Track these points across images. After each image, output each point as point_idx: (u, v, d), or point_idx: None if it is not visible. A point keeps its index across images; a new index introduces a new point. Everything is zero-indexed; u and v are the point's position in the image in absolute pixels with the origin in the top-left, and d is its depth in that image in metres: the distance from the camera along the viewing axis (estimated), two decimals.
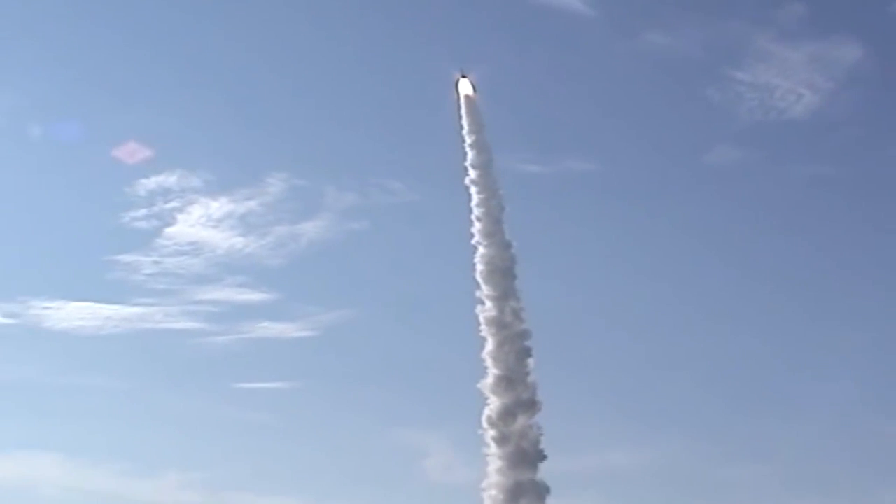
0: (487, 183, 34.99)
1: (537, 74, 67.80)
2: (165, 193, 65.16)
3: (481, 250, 34.29)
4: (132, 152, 60.24)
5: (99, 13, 70.85)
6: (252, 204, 66.33)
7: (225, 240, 64.88)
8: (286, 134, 72.20)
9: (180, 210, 66.00)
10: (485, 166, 35.20)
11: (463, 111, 36.94)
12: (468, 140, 36.16)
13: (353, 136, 70.97)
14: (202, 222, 64.04)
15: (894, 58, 71.65)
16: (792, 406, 62.53)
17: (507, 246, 34.52)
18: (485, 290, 33.91)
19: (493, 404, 33.04)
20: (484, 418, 33.06)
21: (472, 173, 35.14)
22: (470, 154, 35.51)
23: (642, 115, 71.33)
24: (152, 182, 64.66)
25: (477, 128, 36.46)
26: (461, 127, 36.74)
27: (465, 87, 37.43)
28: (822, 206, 69.76)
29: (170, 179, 65.15)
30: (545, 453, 31.88)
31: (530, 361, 33.37)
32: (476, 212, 34.76)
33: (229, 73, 71.54)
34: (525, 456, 32.29)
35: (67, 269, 68.91)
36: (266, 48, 69.35)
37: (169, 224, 66.02)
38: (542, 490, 32.26)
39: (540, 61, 68.95)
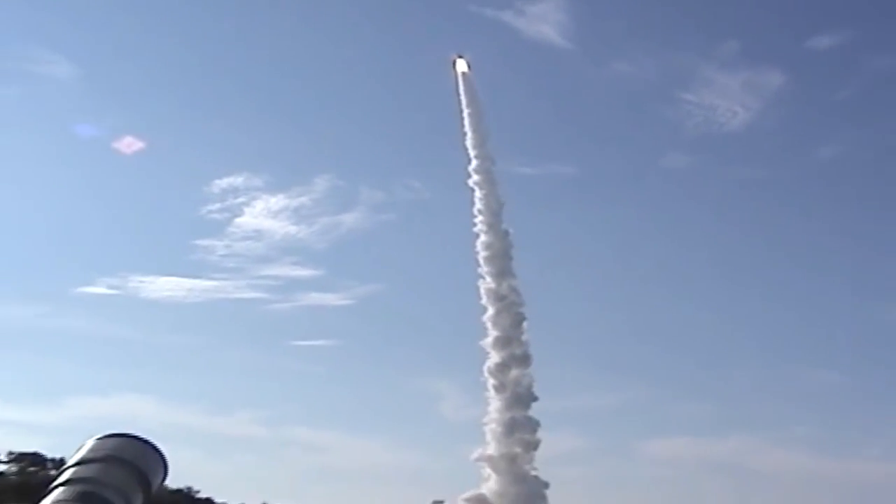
0: (488, 182, 39.46)
1: (527, 95, 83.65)
2: (235, 191, 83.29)
3: (483, 237, 39.18)
4: (129, 145, 70.33)
5: (178, 46, 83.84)
6: (303, 199, 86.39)
7: (281, 228, 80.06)
8: (329, 145, 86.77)
9: (247, 204, 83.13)
10: (486, 170, 39.42)
11: (461, 87, 41.08)
12: (469, 127, 40.02)
13: (381, 145, 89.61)
14: (264, 214, 77.75)
15: (810, 83, 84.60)
16: (726, 359, 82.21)
17: (505, 234, 39.34)
18: (485, 269, 39.01)
19: (493, 358, 38.77)
20: (485, 369, 39.70)
21: (475, 175, 39.59)
22: (472, 151, 39.62)
23: (611, 128, 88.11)
24: (224, 182, 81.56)
25: (474, 105, 40.52)
26: (459, 102, 40.96)
27: (461, 65, 41.91)
28: (752, 199, 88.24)
29: (238, 180, 79.74)
30: (536, 395, 38.97)
31: (524, 325, 38.46)
32: (478, 205, 39.58)
33: (287, 97, 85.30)
34: (519, 398, 38.52)
35: (159, 251, 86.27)
36: (317, 77, 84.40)
37: (238, 215, 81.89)
38: (533, 424, 38.86)
39: (529, 85, 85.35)
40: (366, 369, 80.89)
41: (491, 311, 38.98)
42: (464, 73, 41.80)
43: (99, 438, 1.55)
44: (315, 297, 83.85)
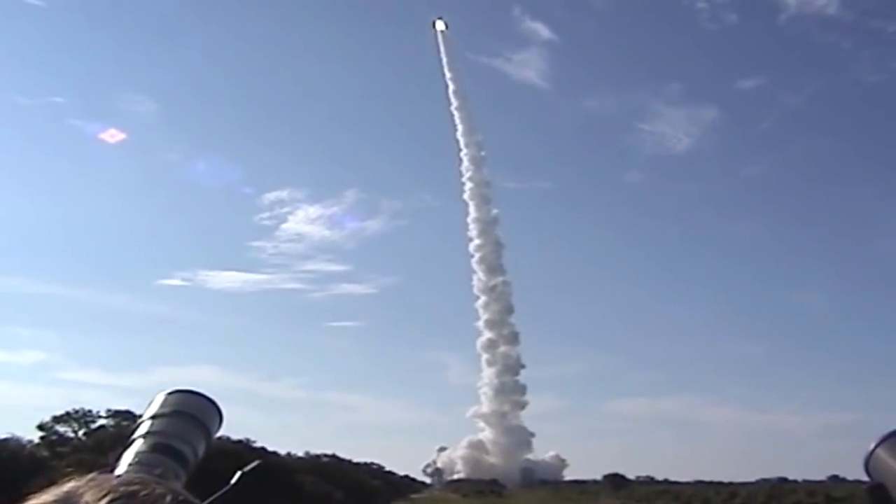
0: (480, 195, 46.15)
1: (514, 125, 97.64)
2: (281, 203, 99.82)
3: (475, 241, 46.48)
4: (112, 136, 77.81)
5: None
6: (335, 209, 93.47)
7: (318, 232, 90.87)
8: (356, 165, 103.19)
9: (290, 213, 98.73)
10: (479, 184, 45.93)
11: (441, 45, 47.53)
12: (455, 103, 46.39)
13: (399, 165, 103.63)
14: (304, 221, 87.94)
15: (738, 115, 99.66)
16: (673, 334, 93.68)
17: (496, 239, 46.50)
18: (477, 266, 47.25)
19: (484, 336, 47.84)
20: (478, 344, 47.15)
21: (468, 189, 46.59)
22: (465, 162, 46.15)
23: (582, 152, 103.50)
24: (273, 195, 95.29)
25: (455, 66, 46.95)
26: (440, 59, 47.73)
27: (440, 25, 48.11)
28: (693, 207, 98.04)
29: (283, 194, 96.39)
30: (524, 364, 46.02)
31: (513, 310, 46.48)
32: (472, 215, 46.64)
33: (322, 127, 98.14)
34: (508, 368, 45.85)
35: (222, 250, 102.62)
36: (346, 110, 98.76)
37: (283, 222, 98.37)
38: (521, 388, 45.80)
39: (515, 117, 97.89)
40: (386, 345, 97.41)
41: (482, 299, 46.76)
42: (443, 32, 48.18)
43: (168, 393, 1.70)
44: (345, 287, 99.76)
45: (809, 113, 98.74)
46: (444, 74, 48.68)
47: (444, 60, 48.42)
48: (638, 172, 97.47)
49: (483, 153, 47.54)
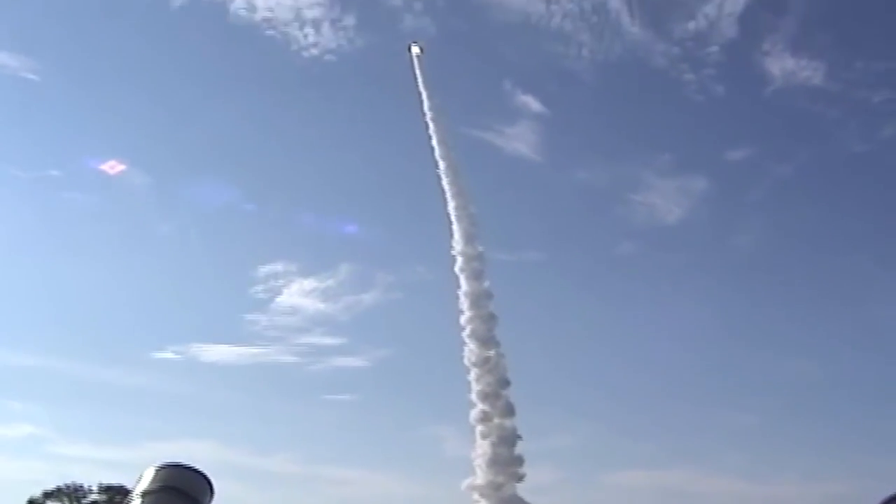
0: (472, 268, 46.79)
1: (506, 197, 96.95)
2: (275, 276, 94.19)
3: (466, 314, 46.48)
4: (112, 167, 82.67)
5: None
6: (330, 282, 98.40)
7: (312, 305, 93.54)
8: (351, 240, 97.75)
9: (285, 286, 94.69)
10: (471, 257, 46.55)
11: (416, 67, 48.39)
12: (432, 125, 47.66)
13: (391, 239, 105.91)
14: (298, 294, 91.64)
15: (728, 186, 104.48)
16: (666, 405, 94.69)
17: (490, 314, 46.73)
18: (469, 339, 46.07)
19: (477, 409, 45.71)
20: (472, 416, 47.20)
21: (460, 261, 47.03)
22: (456, 235, 46.80)
23: (574, 223, 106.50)
24: (267, 268, 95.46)
25: (430, 93, 47.89)
26: (415, 79, 48.54)
27: (415, 49, 48.81)
28: (685, 277, 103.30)
29: (277, 267, 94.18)
30: (520, 436, 45.87)
31: (507, 383, 45.69)
32: (464, 287, 46.91)
33: (316, 202, 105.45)
34: (504, 440, 45.59)
35: (216, 323, 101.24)
36: (339, 188, 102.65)
37: (278, 295, 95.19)
38: (518, 461, 45.49)
39: (508, 189, 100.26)
40: (382, 418, 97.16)
41: (475, 371, 46.65)
42: (418, 55, 48.97)
43: (159, 468, 1.75)
44: (340, 360, 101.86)
45: (799, 182, 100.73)
46: (421, 102, 49.73)
47: (420, 81, 49.48)
48: (630, 243, 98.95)
49: (475, 226, 48.37)
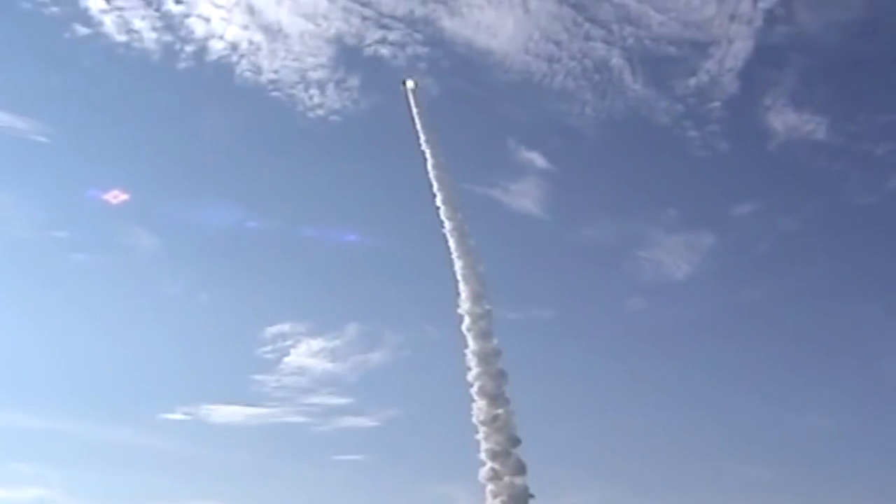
0: (479, 327, 47.10)
1: (513, 255, 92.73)
2: (283, 336, 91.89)
3: (475, 370, 46.68)
4: (114, 196, 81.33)
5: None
6: (337, 342, 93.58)
7: (320, 365, 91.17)
8: (359, 298, 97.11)
9: (293, 346, 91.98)
10: (479, 316, 47.04)
11: (411, 102, 48.87)
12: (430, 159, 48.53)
13: (400, 298, 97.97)
14: (306, 354, 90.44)
15: (735, 241, 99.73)
16: (676, 461, 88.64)
17: (498, 372, 46.78)
18: (477, 397, 46.06)
19: (486, 467, 45.34)
20: (481, 475, 46.00)
21: (467, 320, 47.56)
22: (463, 294, 47.67)
23: (581, 280, 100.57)
24: (275, 329, 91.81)
25: (425, 123, 48.78)
26: (410, 115, 49.05)
27: (409, 84, 49.08)
28: (695, 332, 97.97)
29: (285, 327, 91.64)
30: (532, 494, 45.30)
31: (518, 441, 45.41)
32: (472, 346, 47.14)
33: (323, 261, 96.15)
34: (514, 499, 44.81)
35: (224, 384, 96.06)
36: (345, 246, 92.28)
37: (286, 355, 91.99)
38: None
39: (514, 247, 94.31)
40: (392, 478, 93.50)
41: (484, 429, 46.43)
42: (412, 90, 49.40)
43: None
44: (349, 420, 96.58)
45: (806, 235, 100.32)
46: (418, 137, 50.58)
47: (416, 116, 50.28)
48: (638, 299, 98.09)
49: (482, 285, 48.95)
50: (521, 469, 46.17)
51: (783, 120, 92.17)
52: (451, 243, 49.47)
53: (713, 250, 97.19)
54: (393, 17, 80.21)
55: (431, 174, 50.18)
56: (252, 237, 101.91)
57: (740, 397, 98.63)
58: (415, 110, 50.39)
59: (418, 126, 50.26)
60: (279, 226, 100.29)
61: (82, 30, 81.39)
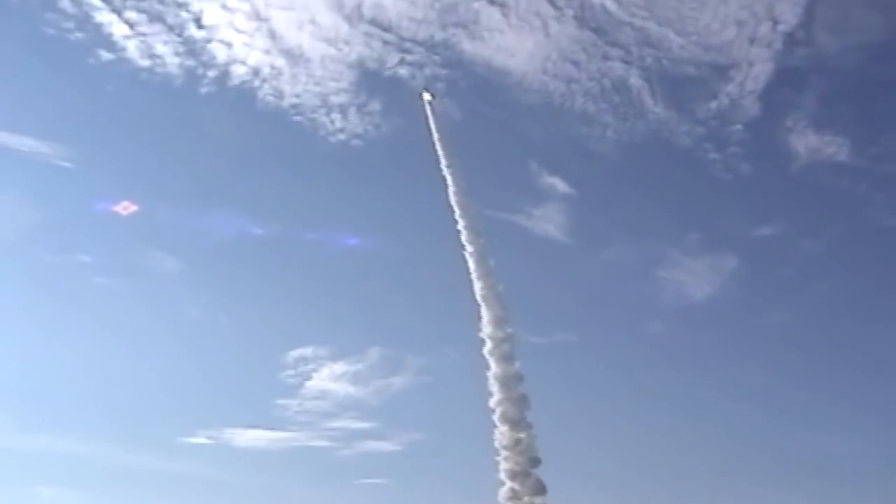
0: (501, 351, 47.27)
1: (535, 279, 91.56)
2: (305, 360, 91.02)
3: (497, 396, 46.84)
4: (125, 208, 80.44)
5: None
6: (359, 366, 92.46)
7: (342, 389, 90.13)
8: (380, 323, 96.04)
9: (315, 371, 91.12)
10: (500, 340, 47.12)
11: (428, 114, 49.79)
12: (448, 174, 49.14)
13: (422, 322, 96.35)
14: (328, 378, 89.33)
15: (758, 263, 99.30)
16: (698, 484, 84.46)
17: (521, 396, 46.92)
18: (498, 421, 46.29)
19: (505, 487, 45.63)
20: (500, 495, 45.55)
21: (489, 343, 47.71)
22: (485, 319, 47.84)
23: (604, 302, 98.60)
24: (297, 353, 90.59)
25: (443, 135, 49.52)
26: (428, 127, 49.97)
27: (427, 97, 50.00)
28: (717, 355, 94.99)
29: (307, 351, 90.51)
30: None
31: (538, 463, 45.67)
32: (493, 370, 47.24)
33: (345, 285, 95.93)
34: None
35: (247, 408, 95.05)
36: (367, 271, 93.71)
37: (308, 379, 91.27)
38: None
39: (537, 271, 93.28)
40: (414, 502, 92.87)
41: (504, 453, 46.64)
42: (430, 102, 50.24)
43: None
44: (371, 444, 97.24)
45: (830, 257, 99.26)
46: (437, 155, 51.02)
47: (433, 128, 50.74)
48: (661, 322, 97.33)
49: (504, 309, 48.97)
50: (541, 489, 46.12)
51: (805, 142, 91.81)
52: (473, 267, 49.72)
53: (736, 272, 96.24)
54: (413, 41, 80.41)
55: (453, 199, 50.46)
56: (274, 257, 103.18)
57: (764, 420, 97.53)
58: (433, 123, 50.93)
59: (436, 139, 50.69)
60: (301, 245, 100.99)
61: (106, 55, 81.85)
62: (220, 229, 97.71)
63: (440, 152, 50.66)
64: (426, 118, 50.95)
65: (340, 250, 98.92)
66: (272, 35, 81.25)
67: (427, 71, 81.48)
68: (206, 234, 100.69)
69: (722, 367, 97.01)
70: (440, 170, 51.01)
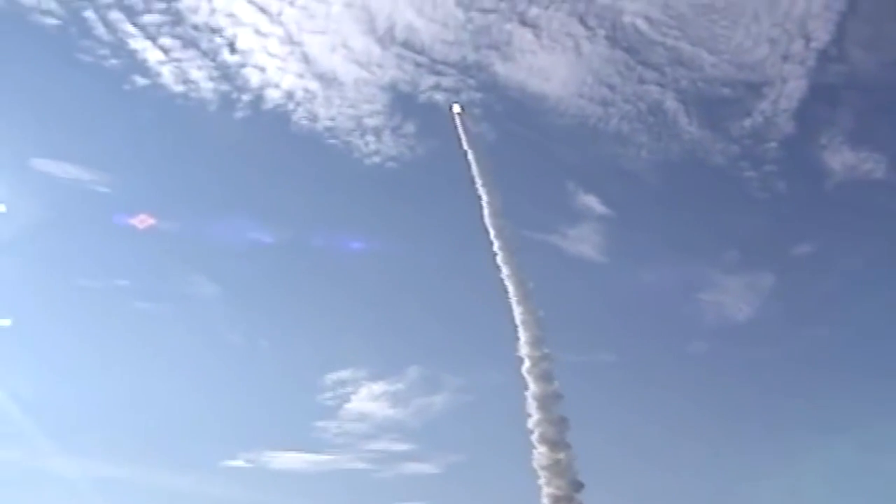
0: (540, 370, 47.35)
1: (573, 299, 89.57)
2: (343, 382, 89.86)
3: (536, 416, 46.76)
4: (142, 221, 78.16)
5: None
6: (399, 386, 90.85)
7: (381, 410, 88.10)
8: (417, 341, 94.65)
9: (353, 392, 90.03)
10: (538, 359, 47.21)
11: (459, 127, 50.03)
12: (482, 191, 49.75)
13: (460, 341, 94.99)
14: (367, 399, 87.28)
15: (796, 281, 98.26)
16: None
17: (560, 416, 46.98)
18: (537, 443, 46.57)
19: None
20: None
21: (527, 363, 47.79)
22: (523, 338, 48.08)
23: (644, 323, 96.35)
24: (335, 375, 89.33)
25: (475, 146, 49.89)
26: (458, 139, 50.21)
27: (456, 108, 50.35)
28: (759, 373, 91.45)
29: (345, 373, 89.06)
30: None
31: (580, 486, 45.74)
32: (532, 390, 47.41)
33: (382, 306, 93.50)
34: None
35: (286, 431, 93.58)
36: (405, 289, 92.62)
37: (347, 401, 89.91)
38: None
39: (574, 291, 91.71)
40: None
41: (544, 475, 46.56)
42: (459, 114, 50.45)
43: None
44: (411, 467, 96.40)
45: (869, 274, 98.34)
46: (470, 169, 51.39)
47: (464, 140, 50.98)
48: (701, 342, 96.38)
49: (542, 329, 49.15)
50: None
51: (840, 159, 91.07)
52: (510, 287, 49.81)
53: (774, 291, 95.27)
54: (446, 64, 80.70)
55: (488, 220, 50.64)
56: (312, 278, 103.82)
57: (811, 438, 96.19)
58: (463, 135, 51.02)
59: (467, 150, 50.81)
60: (339, 264, 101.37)
61: (141, 81, 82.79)
62: (258, 252, 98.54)
63: (473, 165, 50.84)
64: (456, 130, 51.13)
65: (377, 269, 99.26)
66: (305, 59, 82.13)
67: (463, 96, 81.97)
68: (244, 257, 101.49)
69: (764, 386, 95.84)
70: (475, 190, 51.24)
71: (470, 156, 50.85)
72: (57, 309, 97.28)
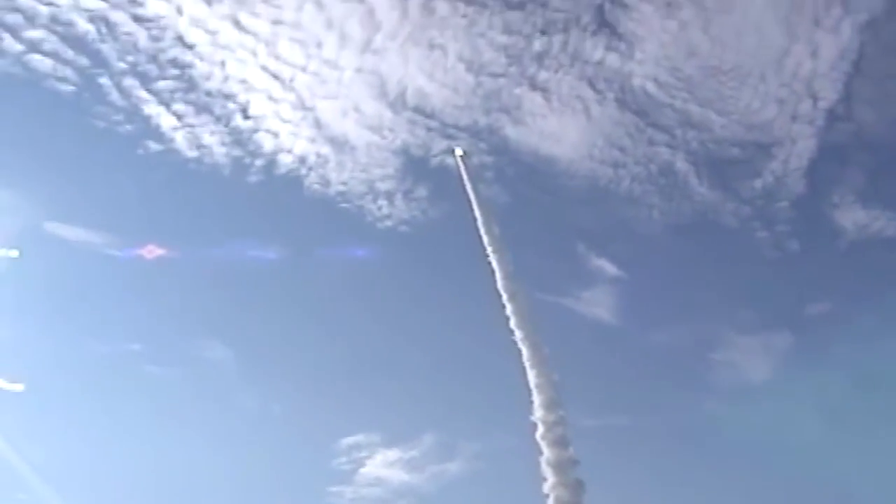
0: (554, 435, 47.51)
1: (586, 362, 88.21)
2: (358, 447, 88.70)
3: (551, 480, 47.13)
4: (150, 251, 78.44)
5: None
6: (413, 452, 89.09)
7: (396, 476, 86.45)
8: (432, 408, 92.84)
9: (368, 458, 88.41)
10: (553, 424, 47.49)
11: (462, 172, 51.31)
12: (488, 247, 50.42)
13: (474, 408, 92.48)
14: (382, 465, 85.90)
15: (813, 340, 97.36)
16: None
17: (576, 481, 47.10)
18: None
19: None
20: None
21: (541, 428, 48.08)
22: (536, 403, 48.57)
23: (657, 385, 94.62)
24: (350, 440, 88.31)
25: (477, 191, 51.13)
26: (462, 183, 51.52)
27: (458, 152, 51.61)
28: (777, 435, 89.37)
29: (359, 438, 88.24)
30: None
31: None
32: (546, 455, 47.53)
33: (396, 373, 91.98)
34: None
35: (301, 496, 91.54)
36: (418, 359, 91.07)
37: (361, 466, 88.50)
38: None
39: (586, 354, 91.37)
40: None
41: None
42: (461, 157, 51.70)
43: None
44: None
45: (885, 331, 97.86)
46: (471, 210, 52.20)
47: (467, 184, 52.00)
48: (716, 403, 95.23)
49: (556, 392, 49.48)
50: None
51: (852, 217, 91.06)
52: (523, 352, 50.15)
53: (791, 351, 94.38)
54: (457, 128, 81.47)
55: (500, 284, 50.95)
56: (322, 347, 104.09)
57: (831, 499, 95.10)
58: (466, 178, 51.90)
59: (470, 195, 51.69)
60: (351, 332, 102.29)
61: (154, 146, 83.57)
62: (271, 319, 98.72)
63: (476, 210, 51.55)
64: (459, 174, 52.08)
65: (390, 334, 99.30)
66: (317, 124, 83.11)
67: (475, 160, 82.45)
68: (256, 323, 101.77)
69: (782, 447, 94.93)
70: (486, 255, 51.56)
71: (473, 201, 51.72)
72: (70, 373, 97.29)
